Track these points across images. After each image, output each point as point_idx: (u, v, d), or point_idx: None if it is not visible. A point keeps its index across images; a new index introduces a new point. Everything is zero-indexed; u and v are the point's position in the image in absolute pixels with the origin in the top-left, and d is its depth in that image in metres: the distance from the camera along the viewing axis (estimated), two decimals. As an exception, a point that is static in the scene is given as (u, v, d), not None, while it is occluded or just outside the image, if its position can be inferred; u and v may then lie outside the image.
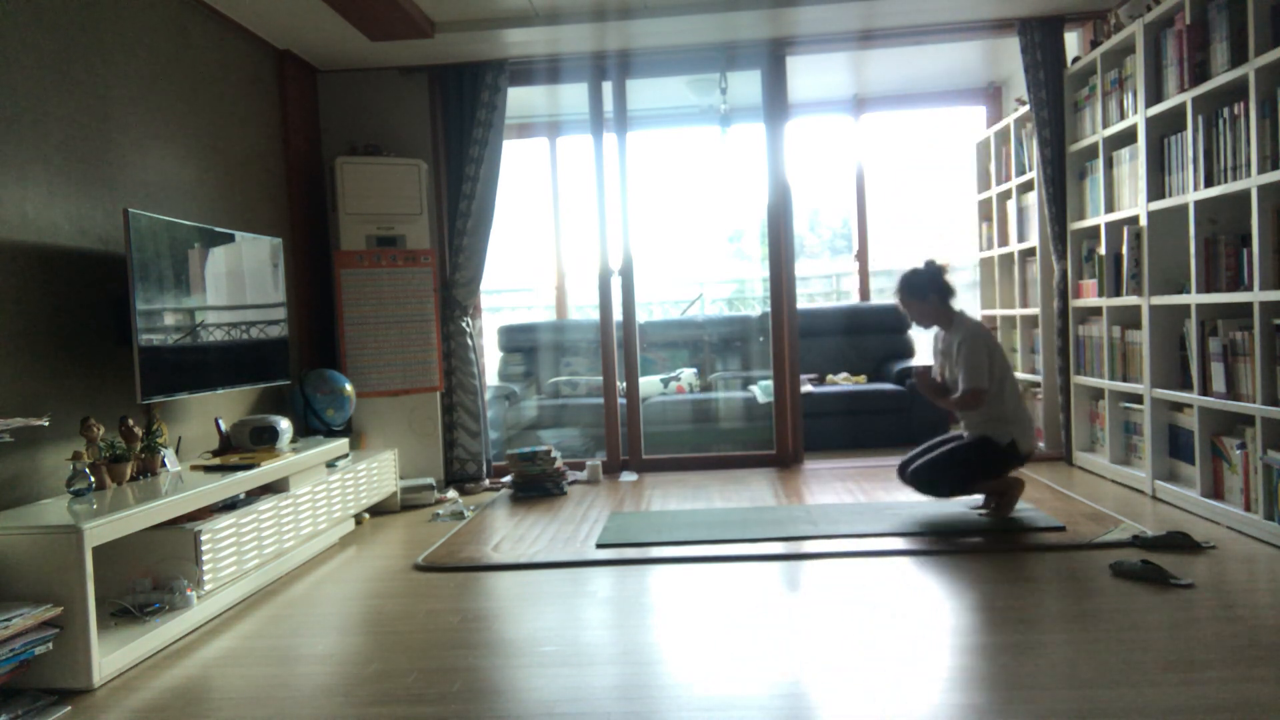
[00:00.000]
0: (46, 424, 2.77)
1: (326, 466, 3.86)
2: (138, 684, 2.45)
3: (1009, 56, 5.50)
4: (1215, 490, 3.59)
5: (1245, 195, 3.32)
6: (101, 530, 2.48)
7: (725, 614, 2.76)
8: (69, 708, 2.31)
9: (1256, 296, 3.21)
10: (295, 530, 3.51)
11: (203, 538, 2.90)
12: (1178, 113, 3.74)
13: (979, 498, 3.85)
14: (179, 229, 3.39)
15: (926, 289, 3.82)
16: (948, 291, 3.84)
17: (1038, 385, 5.27)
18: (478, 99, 4.99)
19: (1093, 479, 4.47)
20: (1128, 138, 4.20)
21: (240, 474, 3.21)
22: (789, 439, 5.23)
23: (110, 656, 2.48)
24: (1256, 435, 3.24)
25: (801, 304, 5.73)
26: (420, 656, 2.53)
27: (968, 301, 6.91)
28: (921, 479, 3.77)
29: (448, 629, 2.74)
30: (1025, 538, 3.41)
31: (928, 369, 3.97)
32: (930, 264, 3.85)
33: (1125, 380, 4.27)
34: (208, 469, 3.31)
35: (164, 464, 3.27)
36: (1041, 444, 5.20)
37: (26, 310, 2.90)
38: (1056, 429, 5.01)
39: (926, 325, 3.94)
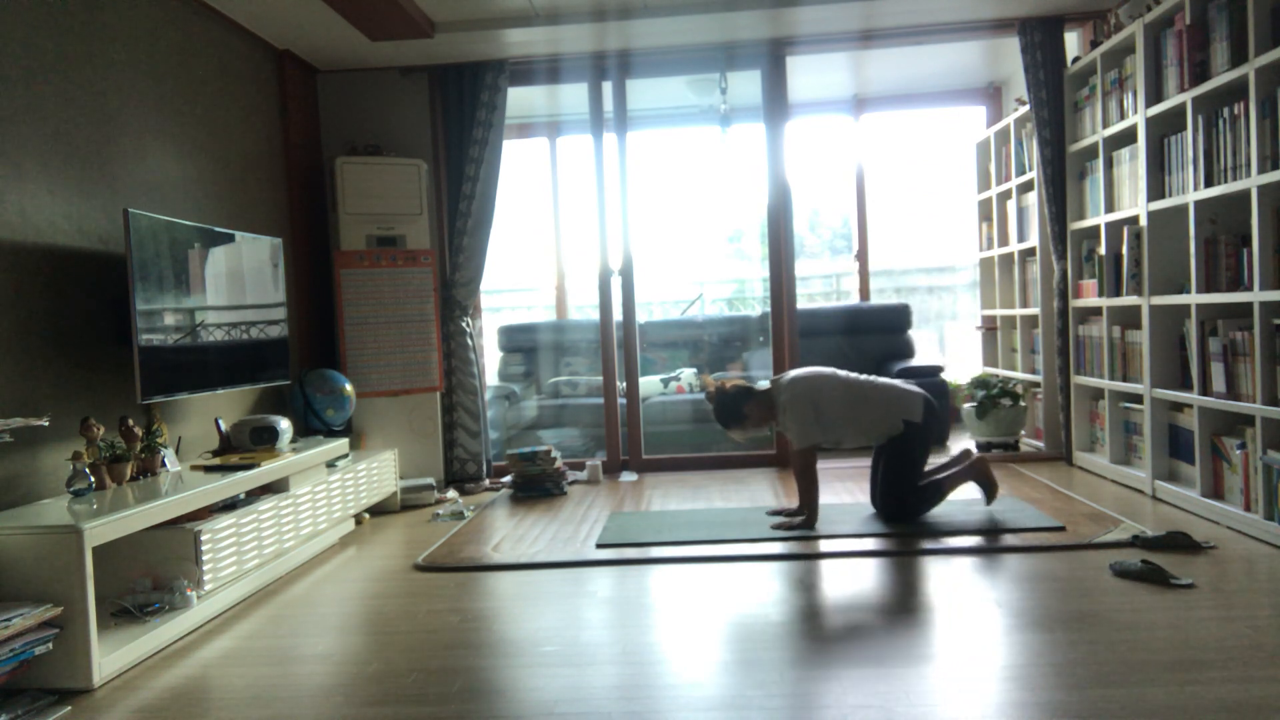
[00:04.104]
0: (46, 424, 2.77)
1: (326, 466, 3.86)
2: (138, 684, 2.45)
3: (1009, 56, 5.50)
4: (1215, 490, 3.59)
5: (1245, 195, 3.32)
6: (101, 530, 2.48)
7: (725, 614, 2.76)
8: (69, 708, 2.31)
9: (1256, 296, 3.21)
10: (295, 530, 3.51)
11: (203, 538, 2.90)
12: (1178, 113, 3.74)
13: (978, 496, 3.84)
14: (179, 229, 3.39)
15: (736, 409, 3.77)
16: (747, 392, 3.78)
17: (1038, 385, 5.27)
18: (478, 99, 4.99)
19: (1093, 479, 4.47)
20: (1128, 138, 4.21)
21: (240, 474, 3.21)
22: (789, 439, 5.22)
23: (110, 656, 2.48)
24: (1256, 435, 3.24)
25: (801, 304, 5.73)
26: (420, 656, 2.53)
27: (967, 302, 6.92)
28: (890, 513, 3.74)
29: (448, 629, 2.74)
30: (1025, 538, 3.41)
31: (794, 524, 3.77)
32: (712, 391, 3.80)
33: (1125, 380, 4.27)
34: (208, 469, 3.31)
35: (164, 464, 3.27)
36: (1040, 444, 5.20)
37: (26, 310, 2.90)
38: (1056, 429, 5.01)
39: (767, 423, 3.82)
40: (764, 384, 3.86)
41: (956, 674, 2.24)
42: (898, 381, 3.83)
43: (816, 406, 3.68)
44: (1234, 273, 3.46)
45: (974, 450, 3.78)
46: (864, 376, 3.83)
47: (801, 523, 3.71)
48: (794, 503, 4.17)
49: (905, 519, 3.69)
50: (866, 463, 5.09)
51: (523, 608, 2.94)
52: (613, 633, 2.66)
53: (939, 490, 3.73)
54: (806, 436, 3.67)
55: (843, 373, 3.82)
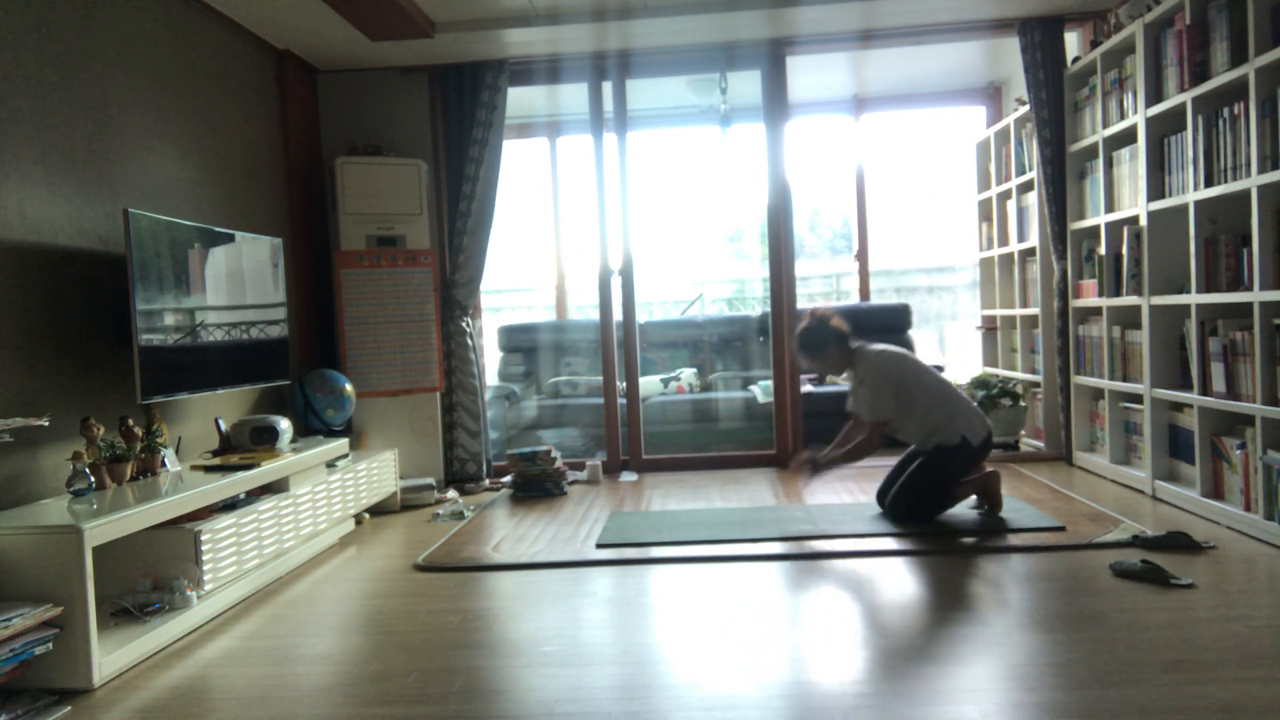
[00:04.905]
0: (46, 424, 2.77)
1: (326, 466, 3.86)
2: (138, 684, 2.45)
3: (1009, 56, 5.50)
4: (1215, 490, 3.59)
5: (1245, 195, 3.32)
6: (101, 530, 2.48)
7: (725, 614, 2.76)
8: (69, 708, 2.31)
9: (1256, 296, 3.21)
10: (295, 530, 3.51)
11: (203, 538, 2.90)
12: (1178, 113, 3.74)
13: (973, 497, 3.85)
14: (179, 229, 3.39)
15: (822, 343, 3.78)
16: (843, 338, 3.79)
17: (1038, 385, 5.27)
18: (478, 99, 4.99)
19: (1093, 479, 4.47)
20: (1128, 138, 4.21)
21: (240, 474, 3.21)
22: (789, 439, 5.23)
23: (110, 656, 2.48)
24: (1256, 435, 3.24)
25: (801, 304, 5.72)
26: (420, 656, 2.53)
27: (967, 302, 6.92)
28: (900, 513, 3.72)
29: (448, 629, 2.74)
30: (1025, 538, 3.41)
31: (805, 460, 3.81)
32: (815, 315, 3.81)
33: (1125, 380, 4.27)
34: (208, 469, 3.31)
35: (164, 464, 3.27)
36: (1040, 444, 5.20)
37: (26, 310, 2.90)
38: (1056, 429, 5.01)
39: (836, 373, 3.87)
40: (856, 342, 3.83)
41: (956, 674, 2.24)
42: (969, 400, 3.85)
43: (900, 386, 3.67)
44: (1234, 273, 3.46)
45: (986, 465, 3.78)
46: (945, 378, 3.83)
47: (815, 455, 3.73)
48: (794, 503, 4.17)
49: (913, 521, 3.68)
50: (866, 462, 5.09)
51: (523, 608, 2.94)
52: (613, 633, 2.66)
53: (950, 497, 3.73)
54: (879, 410, 3.65)
55: (925, 363, 3.84)
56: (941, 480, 3.70)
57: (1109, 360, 4.38)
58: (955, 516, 3.73)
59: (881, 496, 3.90)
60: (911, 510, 3.70)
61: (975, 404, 3.83)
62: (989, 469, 3.82)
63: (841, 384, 6.07)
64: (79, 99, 3.21)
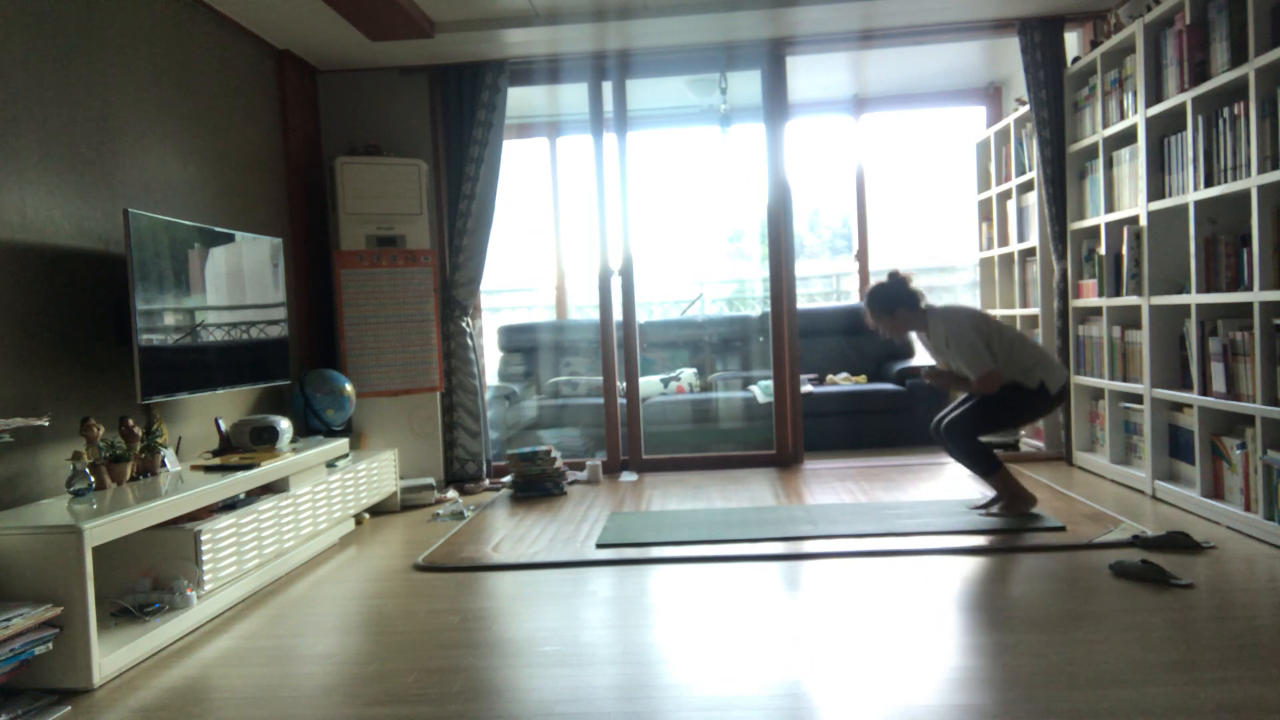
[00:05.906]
0: (46, 424, 2.77)
1: (326, 466, 3.86)
2: (138, 684, 2.45)
3: (1009, 56, 5.50)
4: (1215, 490, 3.59)
5: (1245, 195, 3.32)
6: (101, 530, 2.48)
7: (725, 614, 2.76)
8: (69, 708, 2.31)
9: (1256, 296, 3.21)
10: (295, 530, 3.51)
11: (203, 538, 2.90)
12: (1178, 113, 3.74)
13: (977, 498, 3.84)
14: (179, 229, 3.39)
15: (892, 303, 3.80)
16: (914, 300, 3.80)
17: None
18: (478, 99, 4.99)
19: (1093, 479, 4.47)
20: (1128, 138, 4.21)
21: (240, 474, 3.21)
22: (789, 439, 5.23)
23: (110, 656, 2.48)
24: (1256, 435, 3.24)
25: (801, 304, 5.73)
26: (420, 656, 2.53)
27: (967, 302, 6.91)
28: (954, 434, 3.71)
29: (448, 629, 2.75)
30: (1025, 538, 3.41)
31: (933, 366, 3.94)
32: (893, 276, 3.83)
33: (1125, 380, 4.27)
34: (208, 469, 3.31)
35: (164, 464, 3.27)
36: (1041, 444, 5.20)
37: (26, 310, 2.90)
38: (1056, 429, 5.01)
39: (900, 336, 3.92)
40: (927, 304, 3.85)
41: (956, 674, 2.24)
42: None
43: (984, 337, 3.67)
44: (1234, 273, 3.46)
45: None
46: (1019, 330, 3.85)
47: (950, 372, 3.80)
48: (794, 503, 4.17)
49: (961, 446, 3.71)
50: (867, 463, 5.11)
51: (523, 608, 2.94)
52: (613, 633, 2.66)
53: (988, 465, 3.70)
54: (981, 363, 3.64)
55: (995, 317, 3.86)
56: (1004, 413, 3.71)
57: (1109, 360, 4.38)
58: (955, 516, 3.73)
59: (935, 427, 3.88)
60: (964, 435, 3.70)
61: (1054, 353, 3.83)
62: (1031, 495, 3.75)
63: (841, 384, 6.07)
64: (79, 99, 3.21)
